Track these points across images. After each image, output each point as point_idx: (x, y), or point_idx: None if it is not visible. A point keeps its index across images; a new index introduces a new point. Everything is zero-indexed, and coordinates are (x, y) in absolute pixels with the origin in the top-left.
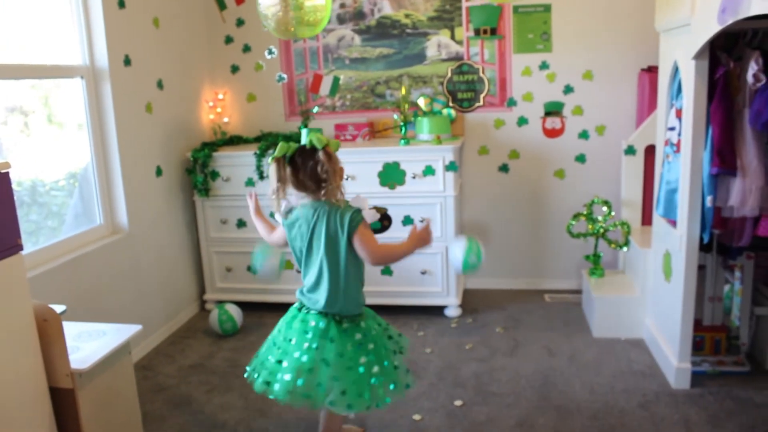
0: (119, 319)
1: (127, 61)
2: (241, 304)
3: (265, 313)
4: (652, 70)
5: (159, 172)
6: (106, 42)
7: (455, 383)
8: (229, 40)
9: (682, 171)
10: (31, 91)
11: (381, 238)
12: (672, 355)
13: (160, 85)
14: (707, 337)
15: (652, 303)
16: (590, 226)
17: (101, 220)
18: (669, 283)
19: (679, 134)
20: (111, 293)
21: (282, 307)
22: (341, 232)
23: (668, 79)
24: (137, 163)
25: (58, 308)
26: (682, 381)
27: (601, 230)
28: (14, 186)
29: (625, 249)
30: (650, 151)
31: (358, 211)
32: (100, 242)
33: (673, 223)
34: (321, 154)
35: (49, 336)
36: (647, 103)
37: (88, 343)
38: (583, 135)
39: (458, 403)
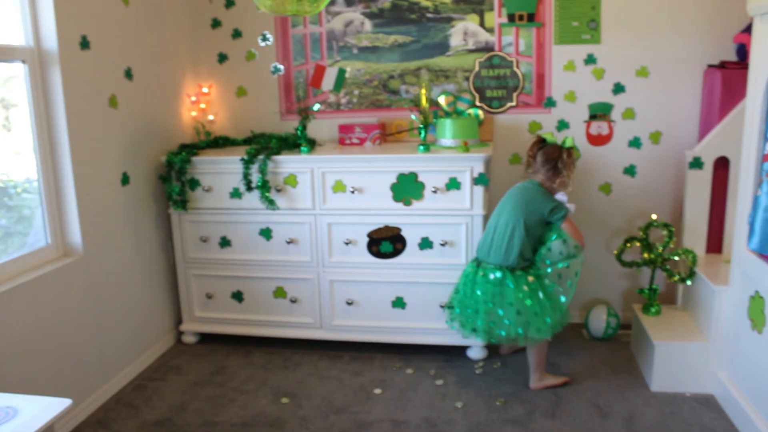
0: (68, 360)
1: (85, 44)
2: (226, 338)
3: (252, 349)
4: (725, 66)
5: (125, 180)
6: (56, 19)
7: None
8: (216, 23)
9: None
10: None
11: (393, 263)
12: (761, 421)
13: (128, 74)
14: None
15: (729, 353)
16: (646, 255)
17: (48, 240)
18: (760, 335)
19: None
20: (59, 330)
21: (271, 342)
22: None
23: (765, 76)
24: (96, 169)
25: None
26: None
27: (660, 260)
28: None
29: (688, 283)
30: (720, 164)
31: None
32: (44, 268)
33: None
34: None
35: None
36: (718, 106)
37: None
38: (635, 143)
39: None
